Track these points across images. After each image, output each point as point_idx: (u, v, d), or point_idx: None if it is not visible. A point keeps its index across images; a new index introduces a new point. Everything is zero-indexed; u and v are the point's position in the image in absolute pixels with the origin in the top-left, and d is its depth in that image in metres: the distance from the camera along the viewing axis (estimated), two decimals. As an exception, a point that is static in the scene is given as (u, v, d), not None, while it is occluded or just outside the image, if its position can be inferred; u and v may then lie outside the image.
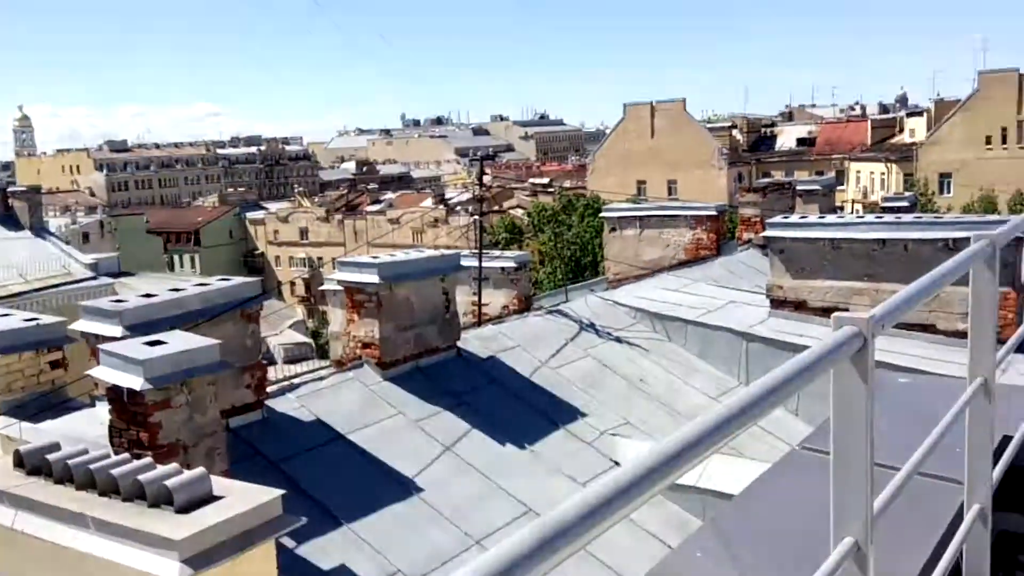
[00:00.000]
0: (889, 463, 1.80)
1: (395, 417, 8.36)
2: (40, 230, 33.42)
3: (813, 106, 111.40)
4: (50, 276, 29.74)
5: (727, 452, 8.90)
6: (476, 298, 12.68)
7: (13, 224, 32.76)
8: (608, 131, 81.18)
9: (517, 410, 9.16)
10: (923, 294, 1.72)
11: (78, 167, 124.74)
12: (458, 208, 68.23)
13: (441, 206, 72.45)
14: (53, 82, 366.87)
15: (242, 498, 4.41)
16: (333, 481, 7.27)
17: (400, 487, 7.48)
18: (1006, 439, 2.54)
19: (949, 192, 56.00)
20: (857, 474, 1.44)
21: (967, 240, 7.82)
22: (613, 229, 16.59)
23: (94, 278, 30.60)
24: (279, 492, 4.46)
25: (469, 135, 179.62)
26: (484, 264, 12.76)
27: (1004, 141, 56.25)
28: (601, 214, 18.00)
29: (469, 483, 7.82)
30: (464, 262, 11.29)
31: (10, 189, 36.36)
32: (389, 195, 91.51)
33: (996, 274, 2.24)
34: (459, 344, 9.75)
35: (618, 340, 11.29)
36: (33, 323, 6.91)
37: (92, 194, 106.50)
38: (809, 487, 2.69)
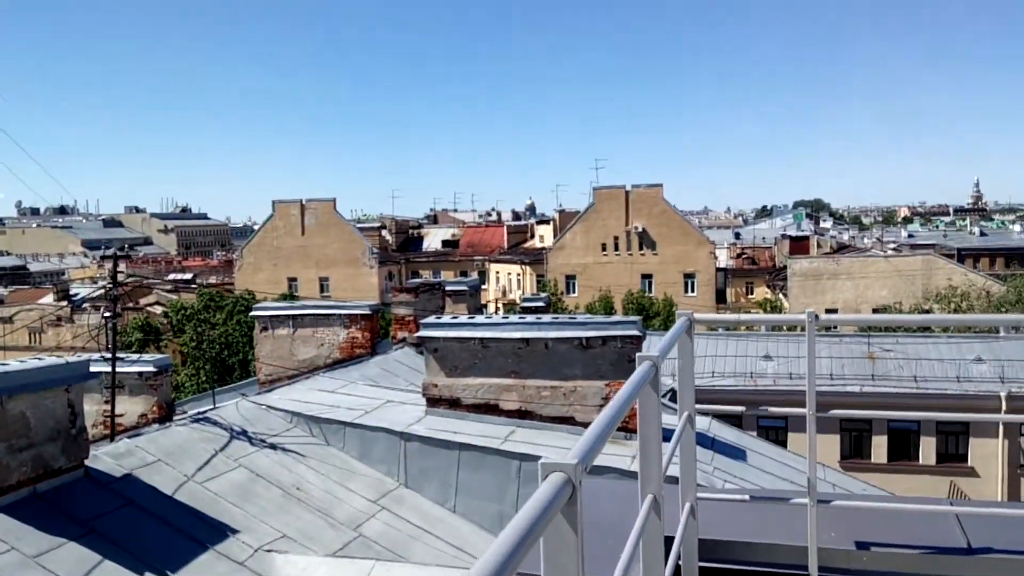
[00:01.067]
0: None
1: (7, 554, 7.06)
2: None
3: (455, 210, 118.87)
4: None
5: (389, 558, 8.72)
6: (108, 408, 11.38)
7: None
8: (256, 227, 79.51)
9: (158, 533, 8.21)
10: (612, 427, 1.75)
11: None
12: (86, 306, 61.98)
13: (65, 303, 65.30)
14: None
15: None
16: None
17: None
18: (667, 540, 2.68)
19: (575, 292, 62.20)
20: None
21: (598, 339, 8.53)
22: (265, 328, 16.00)
23: None
24: None
25: (99, 226, 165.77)
26: (118, 369, 11.55)
27: (616, 248, 64.05)
28: (252, 312, 17.30)
29: (98, 625, 6.78)
30: (95, 367, 10.11)
31: None
32: (1, 290, 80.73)
33: (659, 392, 2.38)
34: (87, 463, 8.59)
35: (272, 447, 10.71)
36: None
37: None
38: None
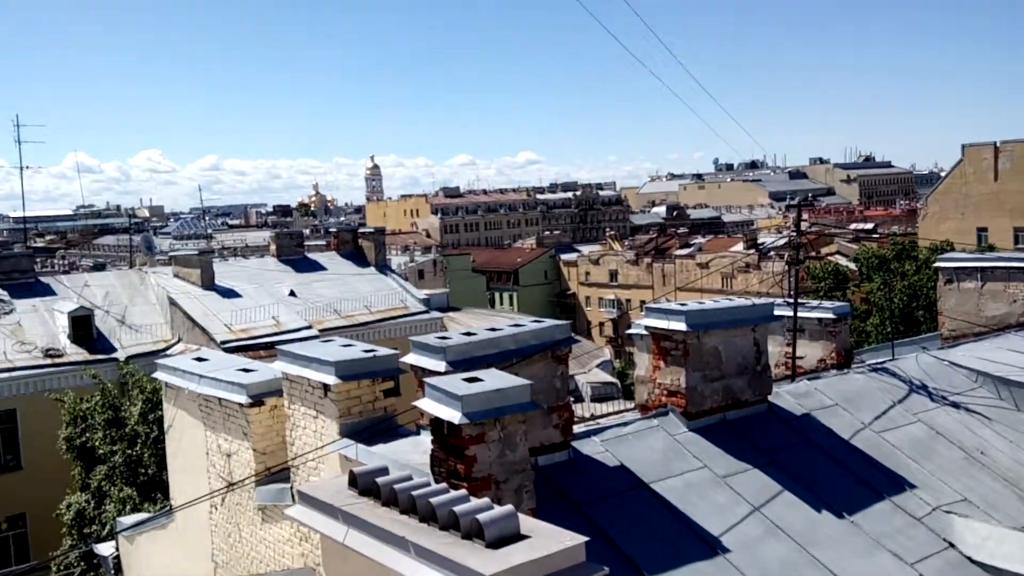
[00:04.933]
0: None
1: (700, 471, 8.09)
2: (383, 267, 37.36)
3: None
4: (391, 309, 33.04)
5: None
6: (790, 350, 12.02)
7: (361, 261, 36.96)
8: (943, 174, 74.21)
9: (834, 475, 8.47)
10: None
11: (417, 211, 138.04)
12: (771, 254, 65.84)
13: (753, 251, 70.38)
14: (399, 135, 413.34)
15: (547, 539, 4.45)
16: (635, 530, 7.16)
17: (704, 545, 7.19)
18: None
19: None
20: None
21: None
22: (949, 280, 14.98)
23: (426, 312, 33.55)
24: (583, 539, 4.45)
25: (785, 179, 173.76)
26: (799, 314, 12.08)
27: None
28: (936, 263, 16.33)
29: (779, 548, 7.32)
30: (777, 311, 10.75)
31: (360, 230, 41.23)
32: (699, 239, 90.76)
33: None
34: (770, 399, 9.26)
35: (954, 406, 10.09)
36: (371, 354, 7.59)
37: (428, 235, 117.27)
38: None
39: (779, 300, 12.60)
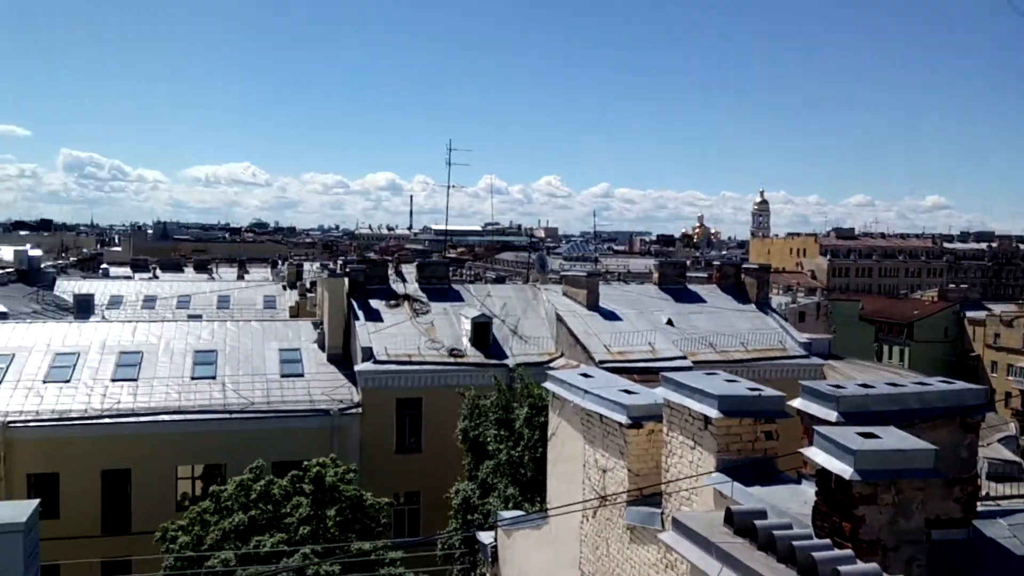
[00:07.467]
0: None
1: None
2: (764, 305, 36.43)
3: None
4: (767, 348, 32.12)
5: None
6: None
7: (741, 297, 36.39)
8: None
9: None
10: None
11: (804, 250, 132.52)
12: None
13: None
14: (791, 172, 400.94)
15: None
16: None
17: None
18: None
19: None
20: None
21: None
22: None
23: (806, 356, 32.07)
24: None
25: None
26: None
27: None
28: None
29: None
30: None
31: (743, 266, 40.66)
32: None
33: None
34: None
35: None
36: (756, 393, 7.45)
37: (814, 277, 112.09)
38: None
39: None
